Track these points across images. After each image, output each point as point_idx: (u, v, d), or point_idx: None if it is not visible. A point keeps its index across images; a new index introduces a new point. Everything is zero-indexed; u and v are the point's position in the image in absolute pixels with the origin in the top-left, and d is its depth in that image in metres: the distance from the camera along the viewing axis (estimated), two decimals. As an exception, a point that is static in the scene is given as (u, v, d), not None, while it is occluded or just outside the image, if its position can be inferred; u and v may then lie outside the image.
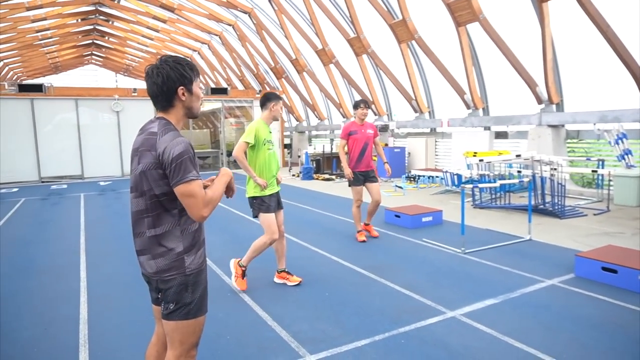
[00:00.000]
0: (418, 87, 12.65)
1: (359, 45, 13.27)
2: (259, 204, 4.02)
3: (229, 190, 2.04)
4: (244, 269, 4.12)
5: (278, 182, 4.19)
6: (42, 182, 13.98)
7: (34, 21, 18.61)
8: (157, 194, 1.82)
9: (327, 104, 17.80)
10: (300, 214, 7.90)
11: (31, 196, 11.05)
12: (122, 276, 4.62)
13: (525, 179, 6.05)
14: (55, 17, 19.55)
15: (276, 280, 4.31)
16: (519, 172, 8.23)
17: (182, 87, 1.86)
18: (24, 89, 14.02)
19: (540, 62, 8.95)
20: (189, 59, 1.94)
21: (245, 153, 3.96)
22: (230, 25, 18.63)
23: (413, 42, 11.60)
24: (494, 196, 8.08)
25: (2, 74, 25.22)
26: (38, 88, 14.19)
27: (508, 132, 10.93)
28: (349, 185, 5.85)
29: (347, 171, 5.69)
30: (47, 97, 14.08)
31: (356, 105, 5.73)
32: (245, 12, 17.10)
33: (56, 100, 14.20)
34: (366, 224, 6.02)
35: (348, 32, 13.57)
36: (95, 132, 14.62)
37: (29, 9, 16.74)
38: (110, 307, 3.80)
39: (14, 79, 28.22)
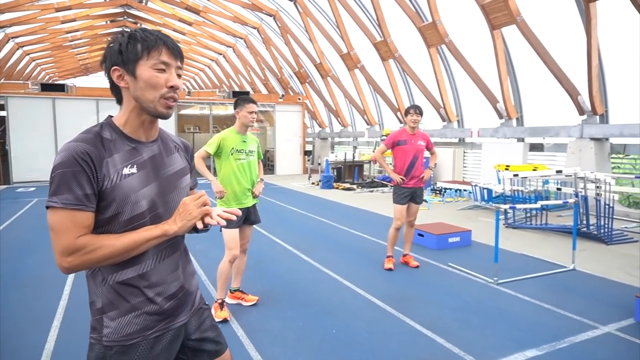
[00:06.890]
0: (447, 94, 11.94)
1: (385, 50, 12.67)
2: None
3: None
4: (220, 301, 3.63)
5: (254, 196, 3.75)
6: (60, 182, 13.87)
7: (63, 22, 18.74)
8: None
9: (351, 110, 17.24)
10: (315, 228, 7.32)
11: (45, 196, 10.84)
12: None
13: (570, 200, 5.30)
14: (84, 19, 19.69)
15: (228, 300, 3.85)
16: (558, 189, 7.44)
17: (116, 67, 1.27)
18: (46, 88, 13.99)
19: (583, 69, 8.15)
20: (143, 29, 1.31)
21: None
22: (255, 28, 18.33)
23: (443, 46, 10.94)
24: (529, 215, 7.32)
25: (33, 75, 25.69)
26: (60, 88, 14.14)
27: (544, 144, 10.11)
28: (393, 202, 4.96)
29: (395, 176, 4.88)
30: (69, 97, 14.01)
31: (407, 111, 4.88)
32: (270, 15, 16.77)
33: (77, 100, 14.12)
34: (404, 255, 5.18)
35: (375, 35, 12.99)
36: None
37: (57, 9, 16.85)
38: (81, 336, 3.29)
39: (45, 79, 28.74)
